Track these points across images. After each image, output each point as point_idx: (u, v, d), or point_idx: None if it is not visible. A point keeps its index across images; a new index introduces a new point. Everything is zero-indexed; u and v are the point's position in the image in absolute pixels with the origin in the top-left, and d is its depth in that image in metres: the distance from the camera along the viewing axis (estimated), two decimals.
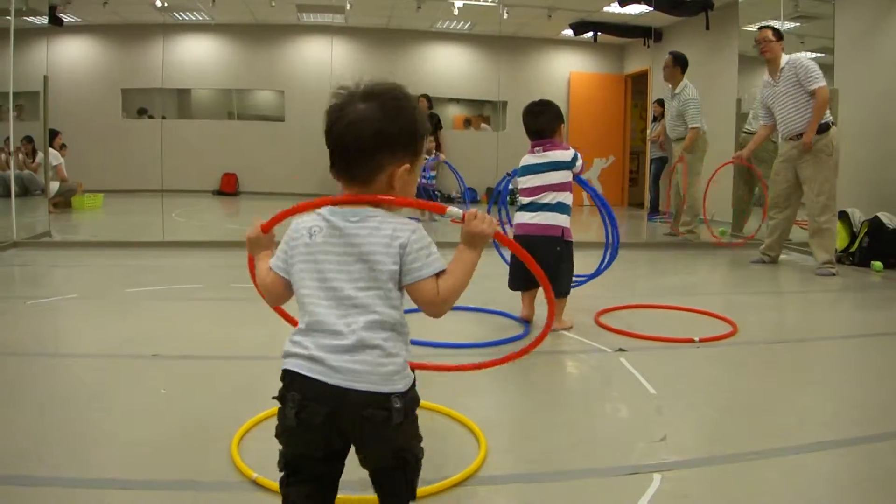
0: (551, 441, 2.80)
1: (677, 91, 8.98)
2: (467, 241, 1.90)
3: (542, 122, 4.55)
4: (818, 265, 6.87)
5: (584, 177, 4.61)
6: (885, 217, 7.31)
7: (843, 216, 7.69)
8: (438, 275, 1.86)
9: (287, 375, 1.87)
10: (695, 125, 8.74)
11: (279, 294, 1.99)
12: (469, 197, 6.43)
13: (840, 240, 7.63)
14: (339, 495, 2.00)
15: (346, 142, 1.91)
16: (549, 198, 4.41)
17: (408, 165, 1.91)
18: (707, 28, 11.49)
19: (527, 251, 3.41)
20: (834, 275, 6.73)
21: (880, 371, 3.99)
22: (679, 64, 9.01)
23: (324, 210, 1.93)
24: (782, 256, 7.68)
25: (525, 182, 4.51)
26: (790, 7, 9.01)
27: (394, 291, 1.86)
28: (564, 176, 4.43)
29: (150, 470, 2.42)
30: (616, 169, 14.44)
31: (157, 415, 2.95)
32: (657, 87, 13.08)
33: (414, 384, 1.91)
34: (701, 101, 8.93)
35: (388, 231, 1.84)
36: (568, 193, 4.46)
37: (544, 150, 4.49)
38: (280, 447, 1.92)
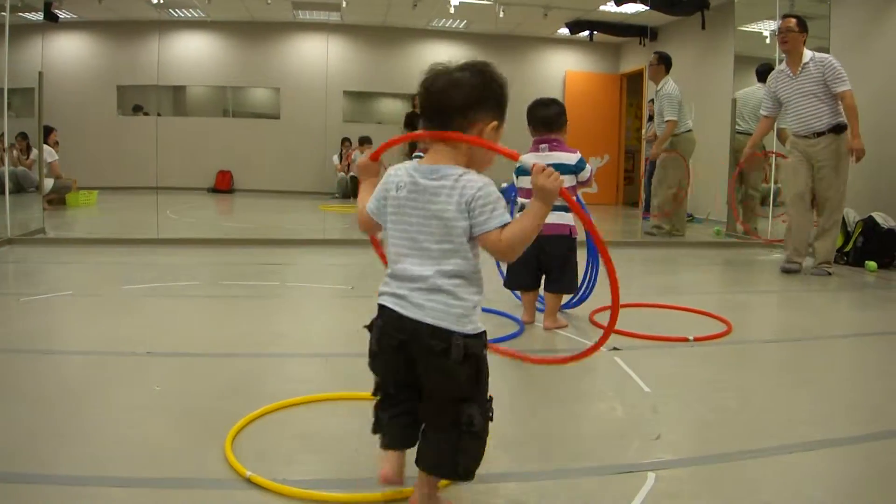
0: (546, 439, 2.79)
1: (658, 88, 9.04)
2: (536, 194, 2.07)
3: (553, 111, 4.39)
4: (815, 265, 6.84)
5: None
6: (879, 217, 7.33)
7: None
8: (503, 227, 2.02)
9: (378, 309, 2.13)
10: (671, 118, 8.81)
11: (370, 227, 2.26)
12: None
13: None
14: (339, 493, 1.99)
15: (444, 100, 2.19)
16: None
17: (495, 123, 2.21)
18: (703, 27, 11.50)
19: (536, 252, 3.83)
20: (829, 274, 6.70)
21: (874, 371, 4.00)
22: (663, 62, 9.12)
23: (409, 166, 2.14)
24: (776, 255, 7.69)
25: (525, 182, 4.36)
26: (786, 7, 9.00)
27: (466, 244, 2.05)
28: (569, 180, 4.31)
29: (143, 467, 2.42)
30: (611, 168, 14.44)
31: (151, 412, 2.94)
32: (652, 86, 13.10)
33: (483, 338, 2.09)
34: (686, 99, 8.97)
35: (458, 190, 2.03)
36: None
37: (549, 150, 4.35)
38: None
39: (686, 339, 4.17)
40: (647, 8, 11.12)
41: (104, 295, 5.24)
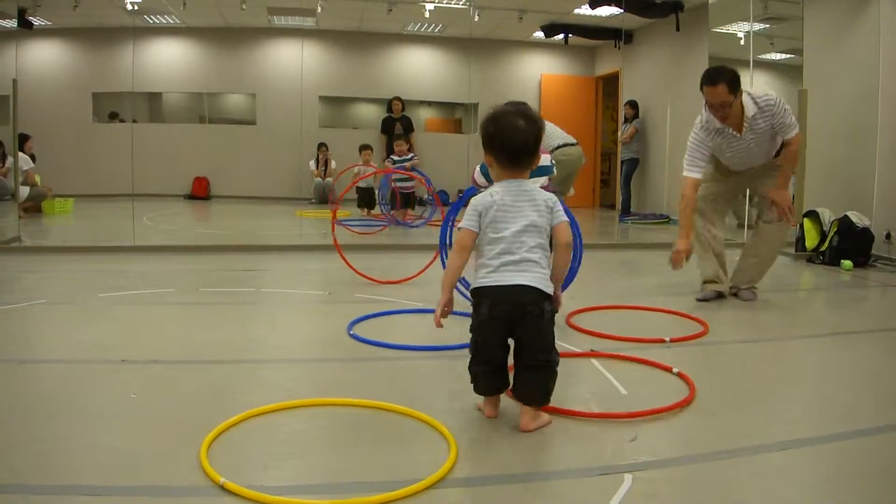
0: (521, 442, 2.79)
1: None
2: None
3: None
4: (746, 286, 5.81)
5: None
6: (854, 216, 7.38)
7: (814, 215, 7.76)
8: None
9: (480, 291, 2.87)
10: None
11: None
12: (443, 199, 6.43)
13: (810, 239, 7.70)
14: (315, 500, 1.98)
15: (521, 144, 2.89)
16: None
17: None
18: (677, 29, 11.57)
19: None
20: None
21: (849, 370, 4.02)
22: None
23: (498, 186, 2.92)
24: None
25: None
26: (759, 8, 9.07)
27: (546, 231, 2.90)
28: (545, 181, 4.68)
29: (117, 476, 2.40)
30: (587, 170, 14.46)
31: (126, 420, 2.92)
32: (628, 88, 13.18)
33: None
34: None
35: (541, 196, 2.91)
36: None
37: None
38: (472, 338, 2.92)
39: (662, 341, 4.19)
40: (622, 11, 11.16)
41: (79, 303, 5.20)
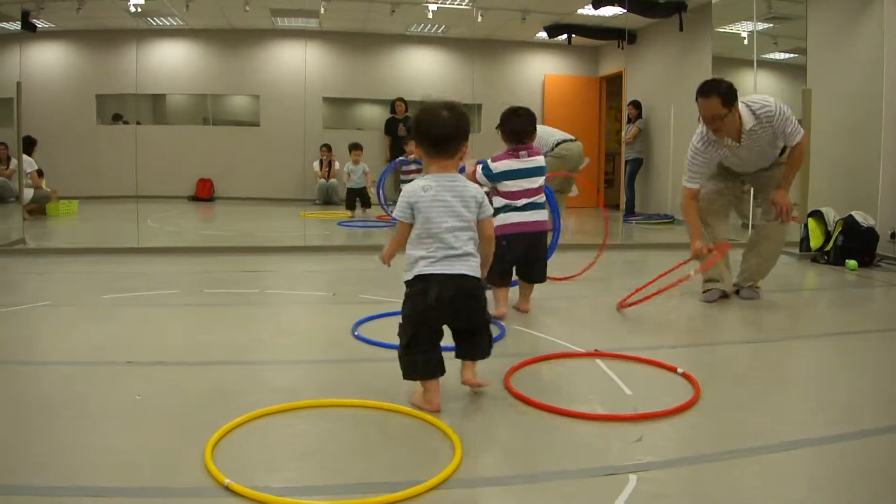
0: (527, 443, 2.80)
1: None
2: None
3: (526, 122, 4.87)
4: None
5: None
6: (858, 216, 7.36)
7: (818, 215, 7.75)
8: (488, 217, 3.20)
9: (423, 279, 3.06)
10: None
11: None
12: None
13: (815, 239, 7.68)
14: (320, 501, 1.98)
15: (442, 133, 3.09)
16: (540, 198, 4.82)
17: (466, 146, 3.15)
18: (681, 29, 11.54)
19: (529, 247, 4.69)
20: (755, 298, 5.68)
21: (855, 369, 4.02)
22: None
23: (429, 177, 3.12)
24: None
25: (515, 185, 4.75)
26: (763, 8, 9.06)
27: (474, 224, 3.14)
28: (542, 180, 4.85)
29: (122, 477, 2.40)
30: (591, 171, 14.45)
31: (130, 421, 2.92)
32: (632, 88, 13.18)
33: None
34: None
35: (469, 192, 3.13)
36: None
37: (529, 156, 4.79)
38: (406, 327, 3.12)
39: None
40: (625, 11, 11.15)
41: (84, 304, 5.21)
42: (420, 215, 3.05)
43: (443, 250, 3.02)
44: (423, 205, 3.04)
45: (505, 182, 4.77)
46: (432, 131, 3.08)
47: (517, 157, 4.78)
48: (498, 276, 4.71)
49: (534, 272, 4.94)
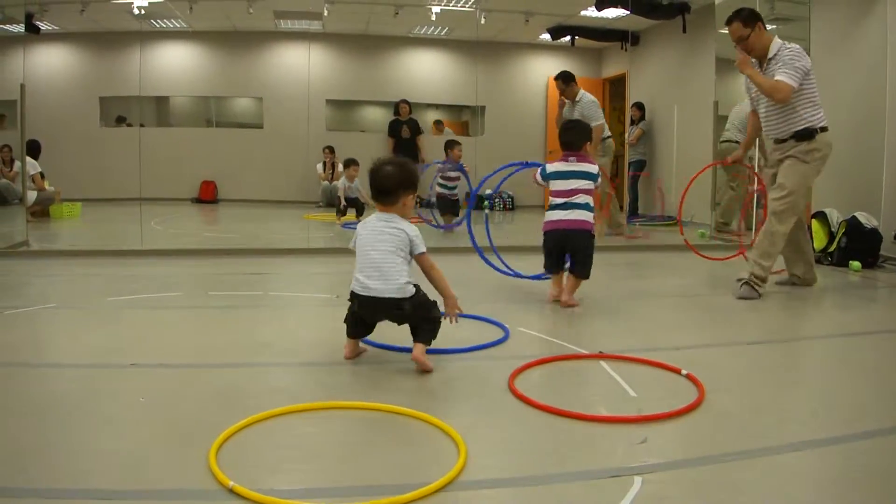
0: (532, 445, 2.80)
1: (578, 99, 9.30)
2: None
3: (571, 135, 5.48)
4: (738, 278, 5.87)
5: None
6: (862, 217, 7.36)
7: (821, 216, 7.75)
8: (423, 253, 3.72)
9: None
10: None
11: None
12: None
13: (818, 240, 7.67)
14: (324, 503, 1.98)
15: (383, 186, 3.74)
16: (581, 199, 5.29)
17: (411, 195, 3.77)
18: (684, 31, 11.54)
19: (563, 242, 5.30)
20: (752, 298, 5.73)
21: (859, 370, 4.01)
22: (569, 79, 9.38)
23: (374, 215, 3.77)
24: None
25: (558, 185, 5.35)
26: (766, 9, 9.04)
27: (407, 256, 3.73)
28: (590, 184, 5.33)
29: (126, 479, 2.40)
30: None
31: (134, 424, 2.92)
32: (635, 90, 13.18)
33: (418, 291, 3.72)
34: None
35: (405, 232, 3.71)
36: (591, 197, 5.37)
37: (577, 161, 5.36)
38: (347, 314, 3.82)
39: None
40: (628, 12, 11.15)
41: (88, 307, 5.22)
42: (358, 243, 3.76)
43: (365, 273, 3.67)
44: (361, 236, 3.75)
45: (553, 181, 5.38)
46: (376, 183, 3.74)
47: (566, 161, 5.38)
48: (546, 266, 5.50)
49: (575, 266, 5.37)
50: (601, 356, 3.97)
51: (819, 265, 7.35)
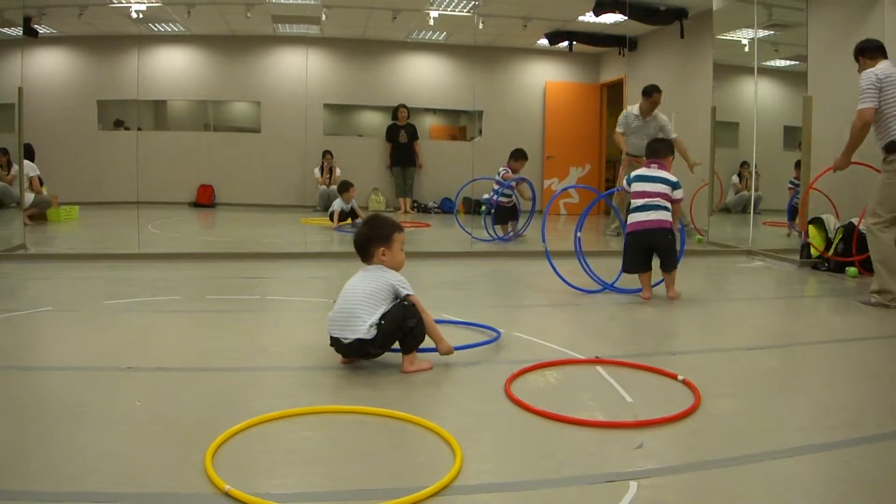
0: (528, 450, 2.79)
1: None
2: None
3: (659, 145, 6.20)
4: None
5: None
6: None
7: (819, 222, 7.75)
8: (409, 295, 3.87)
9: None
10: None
11: None
12: (447, 207, 6.42)
13: (815, 246, 7.67)
14: None
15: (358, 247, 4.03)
16: (659, 202, 5.82)
17: (383, 248, 3.95)
18: (682, 37, 11.56)
19: (645, 240, 5.80)
20: (873, 304, 5.87)
21: (856, 376, 4.01)
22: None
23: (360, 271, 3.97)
24: (758, 263, 7.71)
25: (639, 187, 5.93)
26: (764, 15, 9.06)
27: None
28: (668, 190, 5.86)
29: (122, 482, 2.40)
30: (592, 177, 14.49)
31: (131, 427, 2.92)
32: (633, 95, 13.17)
33: (381, 324, 3.74)
34: (665, 109, 9.15)
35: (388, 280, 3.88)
36: (669, 202, 5.86)
37: (658, 168, 5.96)
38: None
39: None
40: (626, 18, 11.17)
41: (85, 310, 5.21)
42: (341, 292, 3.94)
43: (333, 318, 3.82)
44: (345, 287, 3.93)
45: (635, 184, 5.96)
46: (355, 247, 4.05)
47: (648, 167, 6.01)
48: (630, 265, 5.98)
49: (663, 262, 5.89)
50: (598, 361, 3.97)
51: (816, 271, 7.35)
